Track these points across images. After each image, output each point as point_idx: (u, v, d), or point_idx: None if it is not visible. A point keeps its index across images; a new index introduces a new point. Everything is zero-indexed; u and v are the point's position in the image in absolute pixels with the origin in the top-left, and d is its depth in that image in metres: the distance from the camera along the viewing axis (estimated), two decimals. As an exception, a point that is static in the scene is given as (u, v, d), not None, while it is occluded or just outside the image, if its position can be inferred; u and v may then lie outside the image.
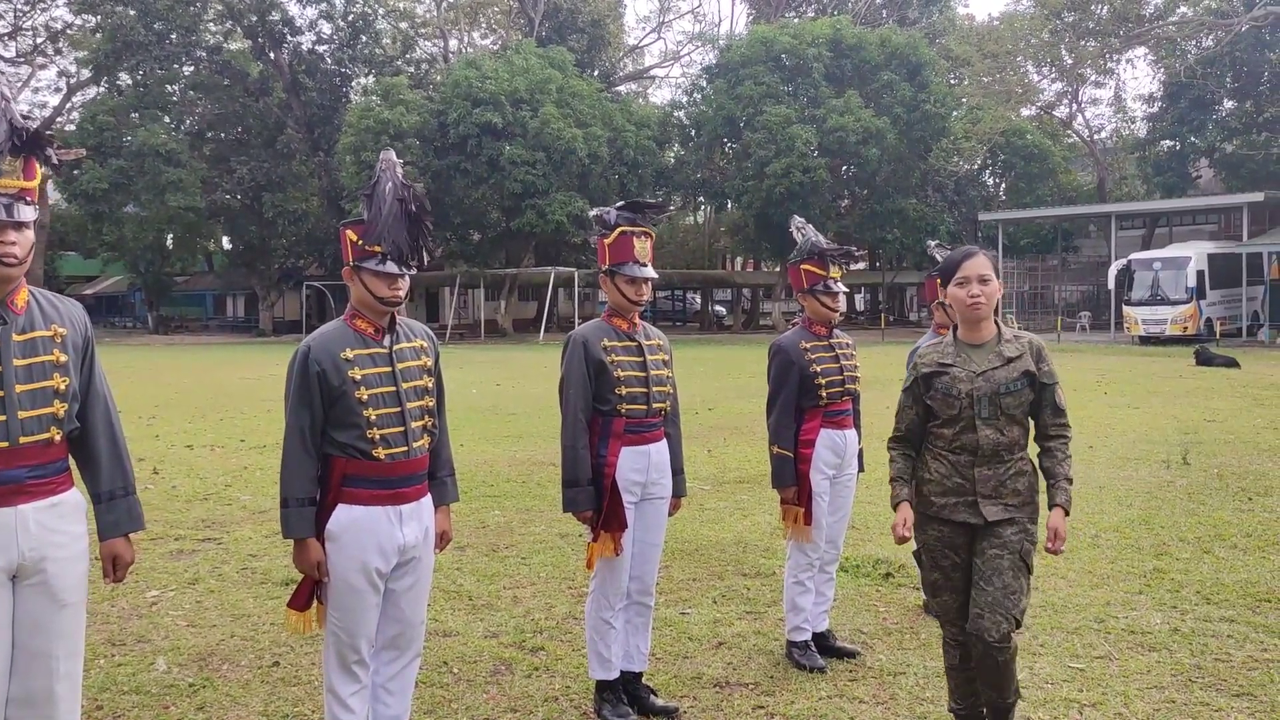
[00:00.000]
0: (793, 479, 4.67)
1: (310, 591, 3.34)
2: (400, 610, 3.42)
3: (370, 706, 3.48)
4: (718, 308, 53.37)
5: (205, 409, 15.44)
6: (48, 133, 2.82)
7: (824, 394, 4.67)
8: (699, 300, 52.32)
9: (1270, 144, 34.31)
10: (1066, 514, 3.49)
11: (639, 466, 4.16)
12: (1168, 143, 41.70)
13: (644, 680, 4.38)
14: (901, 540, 3.61)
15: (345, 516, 3.27)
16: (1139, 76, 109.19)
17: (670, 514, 4.38)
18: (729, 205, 44.66)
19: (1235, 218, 35.68)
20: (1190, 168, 41.91)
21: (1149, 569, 6.17)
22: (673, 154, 45.20)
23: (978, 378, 3.51)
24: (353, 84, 45.72)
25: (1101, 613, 5.36)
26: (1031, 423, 3.65)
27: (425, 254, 3.40)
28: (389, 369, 3.33)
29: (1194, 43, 38.98)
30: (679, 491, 4.38)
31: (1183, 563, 6.31)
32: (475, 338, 40.56)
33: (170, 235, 43.75)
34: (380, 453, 3.27)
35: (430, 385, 3.45)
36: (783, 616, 4.96)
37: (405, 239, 3.31)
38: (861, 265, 49.70)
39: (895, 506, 3.64)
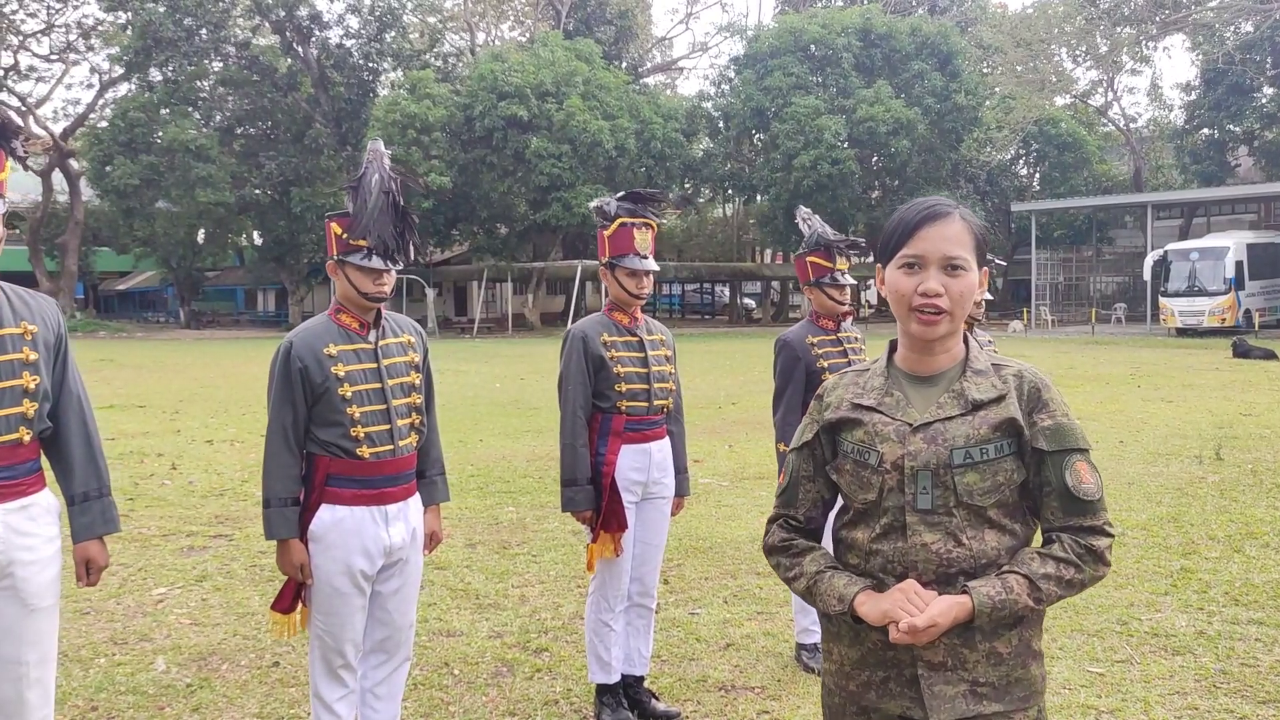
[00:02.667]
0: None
1: (294, 594, 3.26)
2: (387, 613, 3.34)
3: (359, 712, 3.40)
4: (746, 300, 53.11)
5: (228, 403, 15.49)
6: (14, 124, 2.74)
7: (833, 389, 4.53)
8: (727, 293, 52.07)
9: (1311, 131, 33.64)
10: (973, 619, 1.89)
11: (639, 465, 4.04)
12: (1205, 131, 40.99)
13: (647, 683, 4.27)
14: (916, 631, 1.88)
15: (329, 517, 3.18)
16: (1176, 63, 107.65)
17: (673, 514, 4.26)
18: (757, 197, 44.36)
19: (1275, 207, 35.03)
20: (1229, 156, 41.17)
21: (1176, 568, 5.99)
22: (701, 147, 44.95)
23: (915, 435, 1.96)
24: (380, 78, 45.80)
25: (1124, 614, 5.19)
26: (1032, 522, 2.07)
27: (413, 249, 3.31)
28: (374, 365, 3.24)
29: (1232, 28, 38.22)
30: (681, 491, 4.26)
31: (1211, 562, 6.12)
32: (503, 331, 40.58)
33: (201, 230, 44.06)
34: (365, 451, 3.18)
35: (418, 382, 3.35)
36: (793, 618, 4.84)
37: (391, 233, 3.22)
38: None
39: (850, 605, 1.98)
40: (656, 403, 4.07)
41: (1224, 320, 29.28)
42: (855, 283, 4.97)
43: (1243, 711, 4.03)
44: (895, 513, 1.99)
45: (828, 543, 2.18)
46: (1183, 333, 29.98)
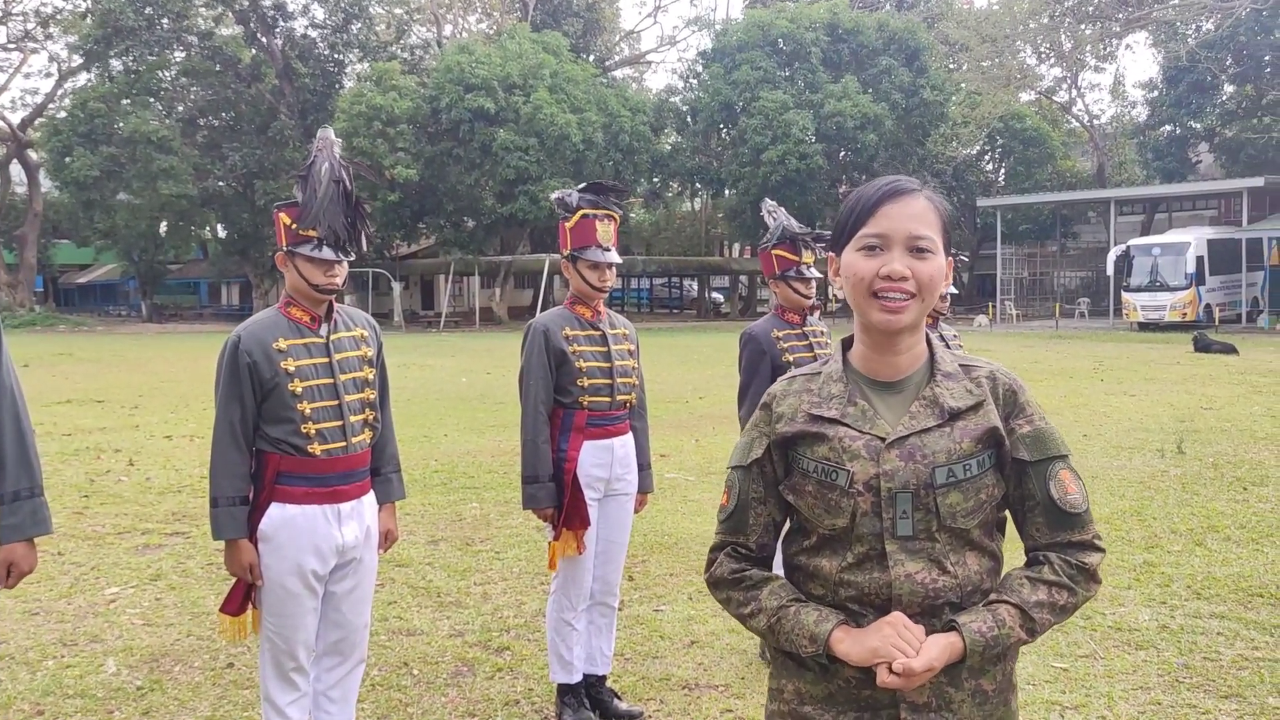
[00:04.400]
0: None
1: (244, 595, 3.17)
2: (341, 614, 3.25)
3: (312, 716, 3.32)
4: (715, 294, 53.11)
5: (189, 398, 15.25)
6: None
7: (798, 384, 4.47)
8: (695, 287, 52.07)
9: (1271, 128, 34.04)
10: (965, 658, 1.71)
11: (602, 461, 3.97)
12: (1167, 128, 41.43)
13: (609, 683, 4.21)
14: (911, 674, 1.68)
15: (279, 516, 3.09)
16: (1139, 60, 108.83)
17: (636, 511, 4.20)
18: (725, 192, 44.35)
19: (1235, 203, 35.44)
20: (1190, 153, 41.64)
21: (1139, 562, 6.00)
22: (669, 141, 44.88)
23: (890, 451, 1.76)
24: (346, 70, 45.37)
25: (1088, 609, 5.18)
26: (1009, 539, 1.90)
27: (364, 239, 3.22)
28: (326, 360, 3.15)
29: (1194, 26, 38.66)
30: (645, 487, 4.20)
31: (1174, 556, 6.14)
32: (470, 325, 40.35)
33: (163, 223, 43.48)
34: (316, 448, 3.09)
35: (371, 377, 3.27)
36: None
37: (342, 223, 3.13)
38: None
39: (825, 645, 1.75)
40: (619, 397, 4.00)
41: (1185, 315, 29.60)
42: (821, 276, 4.90)
43: (1205, 706, 4.03)
44: (871, 540, 1.75)
45: (778, 568, 1.95)
46: (1145, 327, 30.29)
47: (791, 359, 4.47)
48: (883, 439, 1.76)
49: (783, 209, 4.67)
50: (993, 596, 1.78)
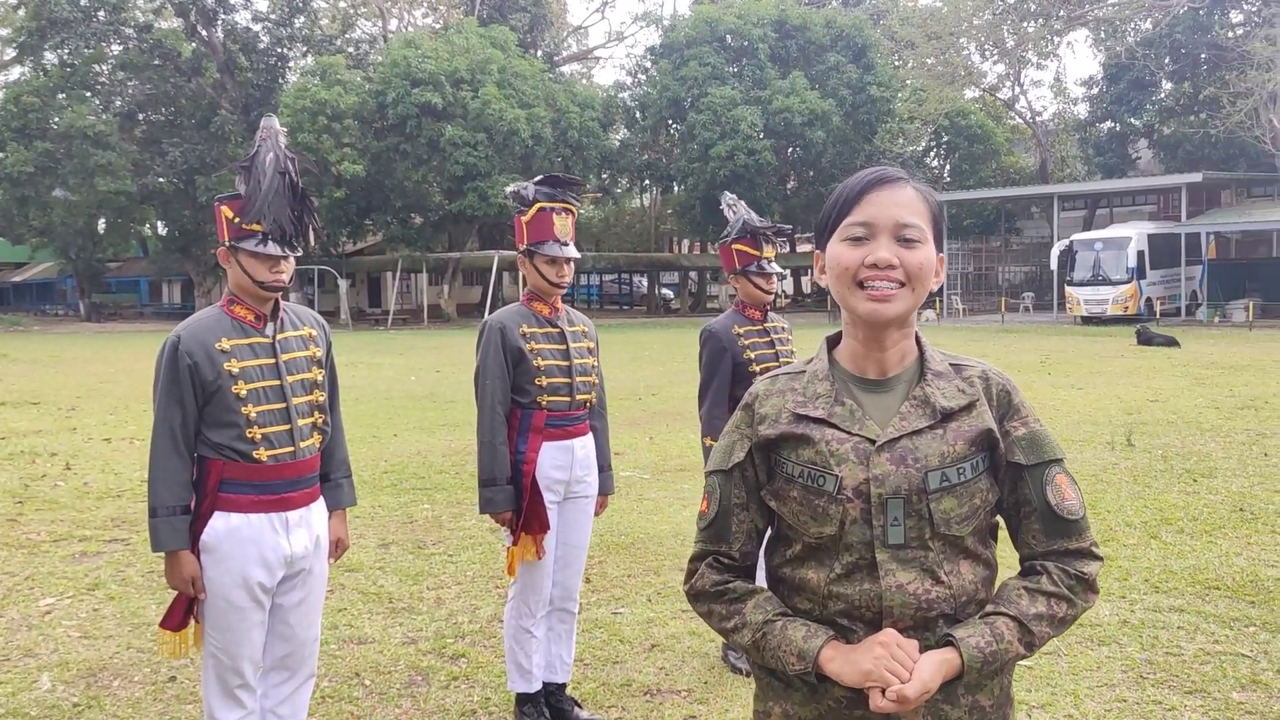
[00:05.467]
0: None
1: (186, 609, 3.00)
2: (289, 628, 3.10)
3: (259, 733, 3.16)
4: (664, 290, 53.08)
5: (129, 399, 14.85)
6: None
7: (759, 381, 4.38)
8: (645, 283, 52.01)
9: (1207, 125, 34.63)
10: (962, 673, 1.61)
11: (562, 463, 3.85)
12: (1108, 124, 42.09)
13: (568, 690, 4.09)
14: (906, 701, 1.58)
15: (223, 526, 2.93)
16: (1079, 58, 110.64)
17: (596, 513, 4.08)
18: (674, 187, 44.35)
19: (1174, 198, 36.13)
20: (1129, 149, 42.34)
21: (1096, 556, 5.99)
22: (617, 137, 44.75)
23: (880, 454, 1.66)
24: (290, 64, 44.63)
25: (1049, 604, 5.16)
26: (1002, 547, 1.82)
27: (312, 234, 3.06)
28: (272, 361, 2.99)
29: (1133, 25, 39.31)
30: (605, 489, 4.08)
31: (1130, 549, 6.15)
32: (418, 323, 39.91)
33: (101, 220, 42.48)
34: (262, 454, 2.93)
35: (320, 379, 3.11)
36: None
37: (288, 216, 2.97)
38: (808, 247, 49.76)
39: (814, 663, 1.64)
40: (579, 397, 3.88)
41: (1127, 308, 30.10)
42: (783, 271, 4.82)
43: (1171, 703, 4.01)
44: (861, 549, 1.65)
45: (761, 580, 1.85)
46: (1088, 320, 30.75)
47: (753, 355, 4.39)
48: (872, 441, 1.66)
49: (743, 202, 4.57)
50: (989, 608, 1.69)
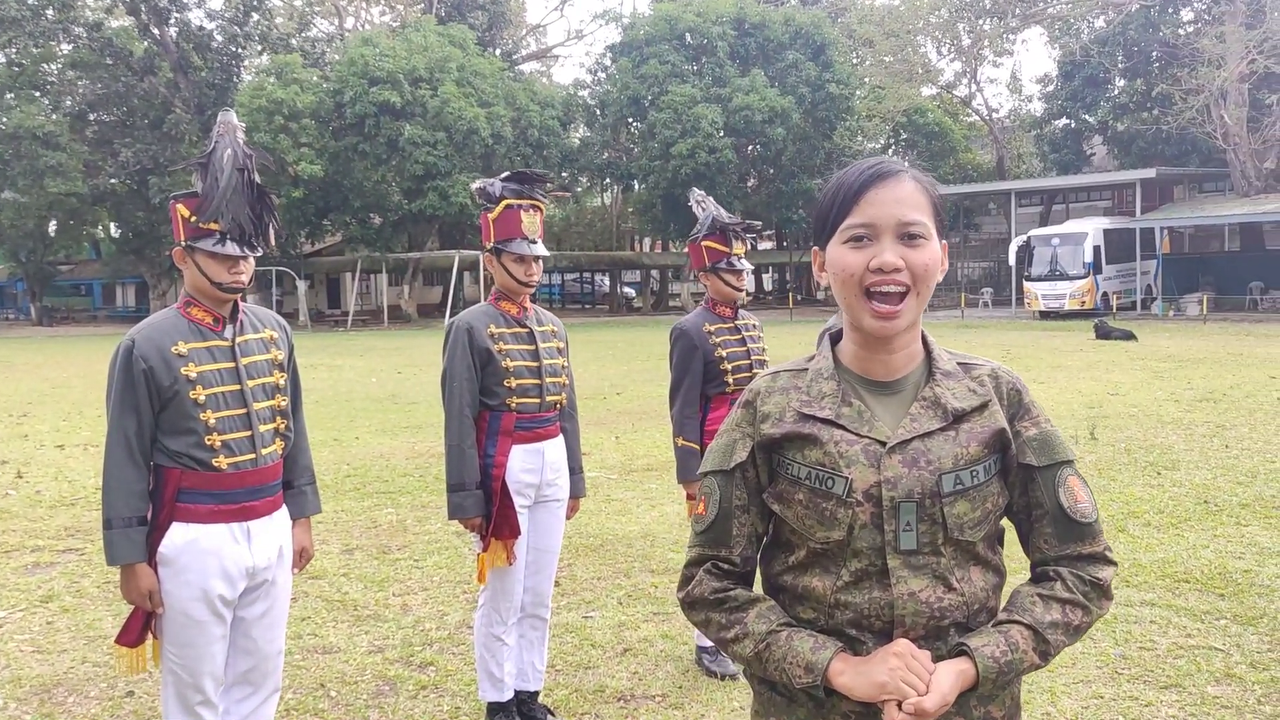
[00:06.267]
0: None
1: (143, 624, 2.88)
2: (252, 641, 2.99)
3: (222, 751, 3.05)
4: (626, 289, 52.99)
5: (82, 405, 14.54)
6: None
7: (730, 379, 4.33)
8: (607, 282, 51.87)
9: (1160, 121, 35.09)
10: (977, 684, 1.55)
11: (532, 466, 3.77)
12: (1063, 121, 42.56)
13: (541, 698, 4.01)
14: (924, 715, 1.50)
15: (181, 537, 2.82)
16: (1035, 56, 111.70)
17: (568, 517, 4.00)
18: (636, 186, 44.26)
19: (1128, 194, 36.60)
20: (1084, 145, 42.84)
21: (1066, 551, 6.00)
22: (578, 135, 44.59)
23: (891, 456, 1.59)
24: (245, 63, 43.99)
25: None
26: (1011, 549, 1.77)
27: (272, 233, 2.95)
28: (231, 364, 2.88)
29: (1087, 22, 39.78)
30: (577, 492, 4.00)
31: (1099, 543, 6.15)
32: (378, 324, 39.53)
33: (52, 222, 41.66)
34: (222, 462, 2.82)
35: (282, 383, 3.01)
36: (692, 619, 4.63)
37: (247, 215, 2.86)
38: (769, 245, 49.90)
39: (824, 676, 1.56)
40: (549, 398, 3.79)
41: (1084, 303, 30.41)
42: (752, 268, 4.76)
43: (1147, 698, 4.00)
44: (870, 555, 1.57)
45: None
46: (1046, 315, 31.03)
47: (724, 354, 4.32)
48: (883, 443, 1.59)
49: (711, 198, 4.50)
50: (1002, 616, 1.63)
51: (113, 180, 40.49)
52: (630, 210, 49.13)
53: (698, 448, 4.25)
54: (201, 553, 2.82)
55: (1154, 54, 36.96)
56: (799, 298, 48.51)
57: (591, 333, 30.85)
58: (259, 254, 2.93)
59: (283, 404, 2.99)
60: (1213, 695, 4.00)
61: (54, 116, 39.51)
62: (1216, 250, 36.91)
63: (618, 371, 18.10)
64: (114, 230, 45.42)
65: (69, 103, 41.68)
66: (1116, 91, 39.64)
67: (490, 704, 3.83)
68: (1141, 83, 37.70)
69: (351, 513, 7.51)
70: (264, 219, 2.90)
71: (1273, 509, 6.87)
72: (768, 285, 52.46)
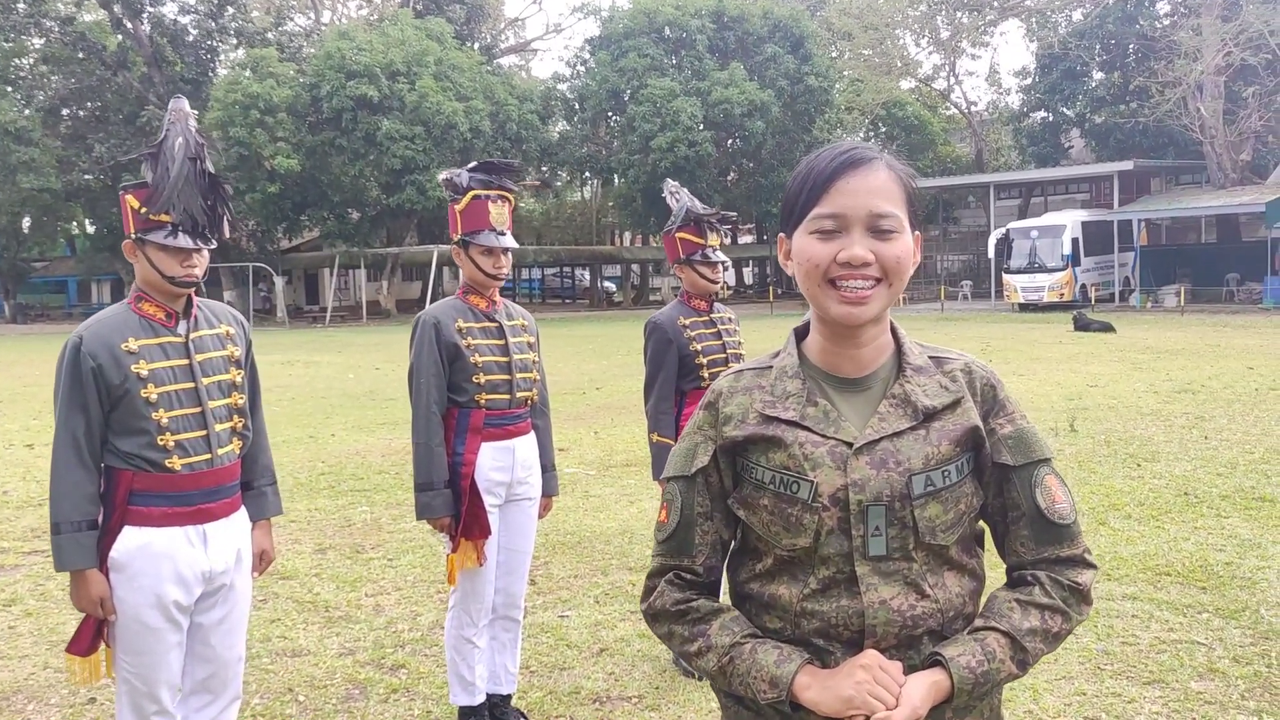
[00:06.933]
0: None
1: (95, 632, 2.77)
2: (210, 648, 2.88)
3: (180, 762, 2.94)
4: (607, 284, 52.89)
5: (53, 404, 14.31)
6: None
7: (706, 373, 4.24)
8: (588, 277, 51.73)
9: (1137, 114, 35.24)
10: (952, 696, 1.47)
11: (502, 465, 3.67)
12: (1041, 114, 42.71)
13: (514, 701, 3.92)
14: None
15: (134, 541, 2.71)
16: (1013, 49, 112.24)
17: (541, 516, 3.90)
18: (615, 179, 44.13)
19: (1106, 186, 36.73)
20: (1062, 138, 43.00)
21: (1047, 544, 5.95)
22: (557, 129, 44.39)
23: (858, 458, 1.51)
24: (220, 58, 43.59)
25: (1003, 595, 5.09)
26: (985, 554, 1.70)
27: (226, 224, 2.84)
28: (185, 362, 2.78)
29: (1065, 16, 39.91)
30: (549, 490, 3.90)
31: (1080, 536, 6.11)
32: (357, 320, 39.28)
33: (26, 218, 41.18)
34: (175, 462, 2.72)
35: (239, 380, 2.90)
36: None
37: (200, 206, 2.75)
38: (749, 238, 49.89)
39: (789, 690, 1.47)
40: (519, 395, 3.69)
41: (1062, 295, 30.51)
42: (729, 260, 4.68)
43: (1130, 694, 3.94)
44: (839, 562, 1.49)
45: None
46: (1025, 308, 31.13)
47: (699, 348, 4.24)
48: (849, 444, 1.51)
49: (685, 190, 4.41)
50: (978, 623, 1.54)
51: (87, 176, 40.05)
52: (610, 204, 49.03)
53: (672, 443, 4.16)
54: (155, 557, 2.71)
55: (1131, 47, 37.09)
56: (779, 291, 48.54)
57: (572, 327, 30.73)
58: (213, 246, 2.82)
59: (240, 402, 2.88)
60: (1196, 691, 3.94)
61: (26, 112, 39.01)
62: (1194, 242, 37.12)
63: (597, 366, 18.00)
64: (89, 227, 44.93)
65: (41, 97, 41.16)
66: (1094, 84, 39.77)
67: (461, 708, 3.73)
68: (1119, 76, 37.85)
69: (325, 511, 7.40)
70: (218, 210, 2.79)
71: (1253, 500, 6.85)
72: (748, 279, 52.40)
